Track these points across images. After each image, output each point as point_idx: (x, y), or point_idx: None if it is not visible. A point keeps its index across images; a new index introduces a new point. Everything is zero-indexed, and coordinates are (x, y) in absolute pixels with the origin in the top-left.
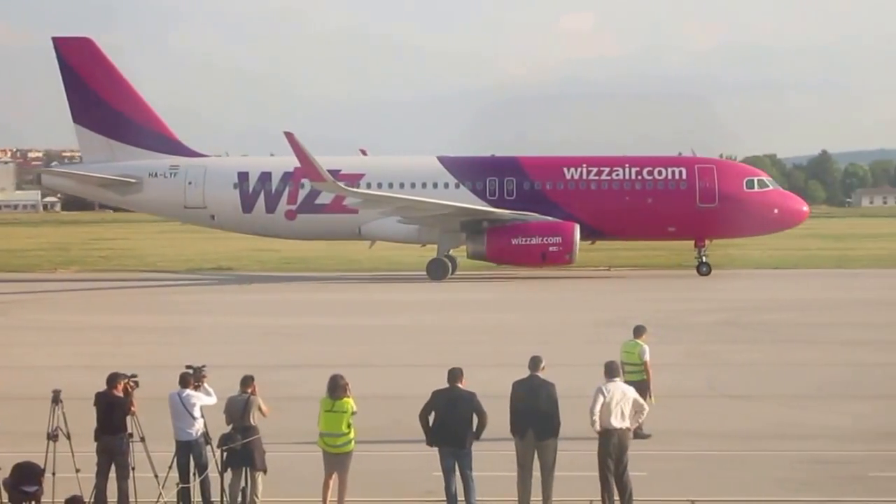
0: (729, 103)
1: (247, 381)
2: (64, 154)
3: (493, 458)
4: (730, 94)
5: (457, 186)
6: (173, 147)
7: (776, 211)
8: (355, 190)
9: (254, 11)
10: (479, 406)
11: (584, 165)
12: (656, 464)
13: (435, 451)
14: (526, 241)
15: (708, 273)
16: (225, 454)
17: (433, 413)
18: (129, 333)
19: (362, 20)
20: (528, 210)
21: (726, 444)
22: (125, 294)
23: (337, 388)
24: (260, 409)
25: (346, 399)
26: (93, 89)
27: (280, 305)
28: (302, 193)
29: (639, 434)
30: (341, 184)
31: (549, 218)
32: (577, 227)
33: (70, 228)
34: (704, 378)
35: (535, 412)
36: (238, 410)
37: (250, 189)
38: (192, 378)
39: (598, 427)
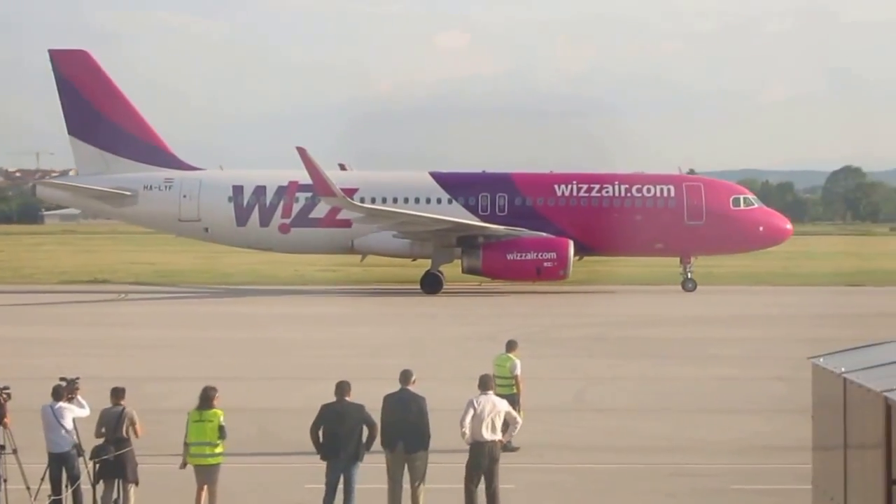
0: (599, 122)
1: (118, 393)
2: None
3: (364, 470)
4: (601, 113)
5: (449, 202)
6: (168, 160)
7: (761, 229)
8: (364, 205)
9: (131, 27)
10: (368, 418)
11: (575, 182)
12: (525, 476)
13: (306, 463)
14: (521, 256)
15: (693, 289)
16: (97, 466)
17: (322, 427)
18: (2, 345)
19: (239, 32)
20: (519, 225)
21: (593, 457)
22: None
23: (207, 399)
24: (134, 425)
25: (214, 410)
26: (88, 102)
27: (155, 318)
28: (296, 207)
29: (507, 447)
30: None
31: (543, 234)
32: (571, 244)
33: None
34: (573, 392)
35: (405, 425)
36: (112, 422)
37: (245, 202)
38: (65, 390)
39: (468, 439)
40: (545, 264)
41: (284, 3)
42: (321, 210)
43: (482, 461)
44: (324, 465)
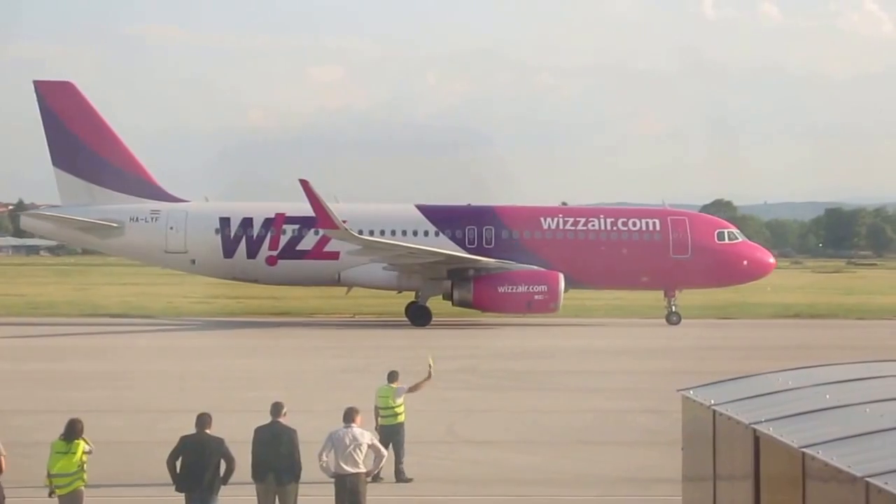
0: (475, 155)
1: None
2: None
3: (235, 502)
4: (476, 146)
5: (436, 234)
6: (154, 192)
7: (746, 263)
8: (366, 238)
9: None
10: (227, 451)
11: (561, 216)
12: None
13: (169, 496)
14: (512, 289)
15: (678, 322)
16: None
17: (181, 458)
18: None
19: (109, 59)
20: (506, 258)
21: (466, 489)
22: None
23: (73, 431)
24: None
25: (78, 441)
26: (73, 133)
27: (22, 350)
28: (283, 239)
29: (400, 478)
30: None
31: (533, 267)
32: (562, 277)
33: None
34: (445, 424)
35: (275, 457)
36: None
37: (232, 234)
38: None
39: (327, 472)
40: (536, 297)
41: (158, 31)
42: (308, 242)
43: (345, 494)
44: (182, 497)
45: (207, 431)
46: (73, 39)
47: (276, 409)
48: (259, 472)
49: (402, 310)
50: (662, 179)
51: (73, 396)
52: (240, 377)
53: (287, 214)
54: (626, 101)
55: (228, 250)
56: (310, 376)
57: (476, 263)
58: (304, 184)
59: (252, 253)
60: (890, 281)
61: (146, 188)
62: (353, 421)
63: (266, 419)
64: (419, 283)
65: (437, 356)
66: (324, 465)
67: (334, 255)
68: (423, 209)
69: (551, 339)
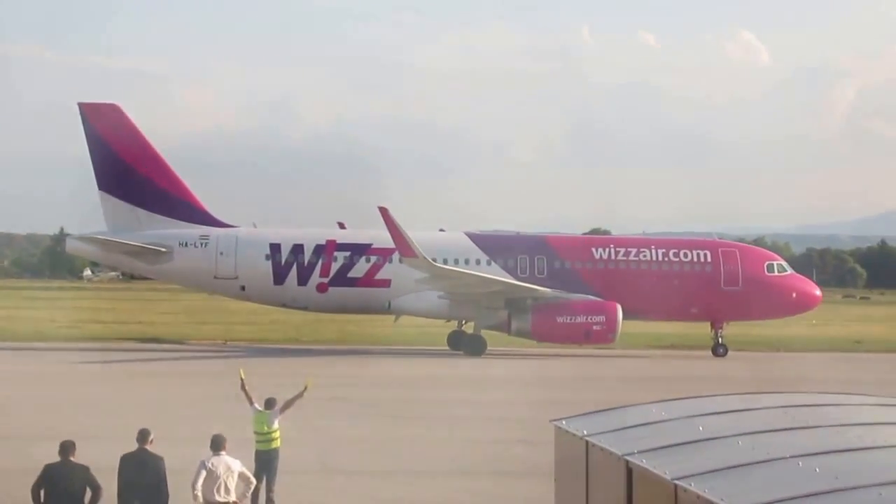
0: (351, 180)
1: None
2: None
3: None
4: (351, 170)
5: (488, 263)
6: (201, 217)
7: (794, 295)
8: (443, 266)
9: None
10: (93, 479)
11: (612, 246)
12: None
13: None
14: (571, 319)
15: (725, 354)
16: None
17: (44, 488)
18: None
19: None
20: (558, 288)
21: None
22: None
23: None
24: None
25: None
26: (119, 156)
27: None
28: (335, 266)
29: None
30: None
31: (589, 297)
32: (620, 307)
33: None
34: (316, 453)
35: (142, 485)
36: None
37: (283, 261)
38: None
39: (200, 501)
40: (594, 328)
41: (23, 51)
42: (360, 270)
43: None
44: None
45: (72, 459)
46: None
47: (143, 435)
48: (125, 501)
49: (269, 335)
50: (539, 206)
51: None
52: (106, 403)
53: (338, 241)
54: (502, 128)
55: (279, 276)
56: (179, 404)
57: (534, 293)
58: (383, 211)
59: (303, 280)
60: None
61: (193, 212)
62: (222, 448)
63: (133, 447)
64: (471, 312)
65: (299, 384)
66: (198, 494)
67: (385, 283)
68: (473, 237)
69: (436, 367)
